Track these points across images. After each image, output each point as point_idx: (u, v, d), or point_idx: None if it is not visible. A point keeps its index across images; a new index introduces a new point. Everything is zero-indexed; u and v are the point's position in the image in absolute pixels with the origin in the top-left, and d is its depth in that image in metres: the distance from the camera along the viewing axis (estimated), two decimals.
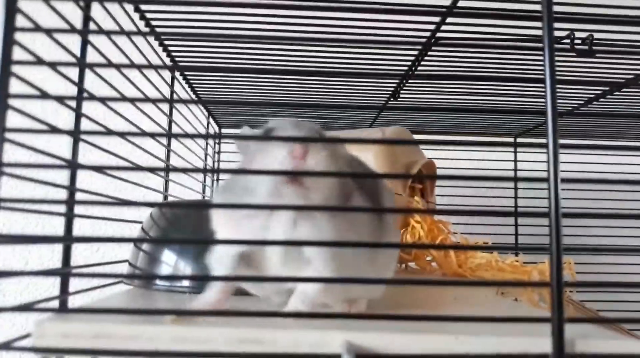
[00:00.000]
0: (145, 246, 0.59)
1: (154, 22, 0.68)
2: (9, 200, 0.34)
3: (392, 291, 0.48)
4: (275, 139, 0.40)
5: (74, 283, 0.44)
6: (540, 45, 0.35)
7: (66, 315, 0.37)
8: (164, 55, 0.77)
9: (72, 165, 0.44)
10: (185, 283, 0.54)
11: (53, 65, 0.37)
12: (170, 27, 0.68)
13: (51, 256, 1.19)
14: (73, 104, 0.44)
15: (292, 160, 0.38)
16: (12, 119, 0.34)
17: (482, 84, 0.86)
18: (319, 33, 0.65)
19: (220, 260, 0.43)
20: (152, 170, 0.52)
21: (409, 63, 0.77)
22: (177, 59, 0.80)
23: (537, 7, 0.36)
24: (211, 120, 1.13)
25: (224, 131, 1.22)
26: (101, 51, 0.50)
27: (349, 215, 0.42)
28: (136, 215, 0.68)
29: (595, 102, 0.90)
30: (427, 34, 0.66)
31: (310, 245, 0.39)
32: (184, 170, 0.39)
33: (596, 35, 0.60)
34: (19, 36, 0.34)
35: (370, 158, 0.84)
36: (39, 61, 0.36)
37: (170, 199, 0.88)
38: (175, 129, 0.85)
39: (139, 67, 0.40)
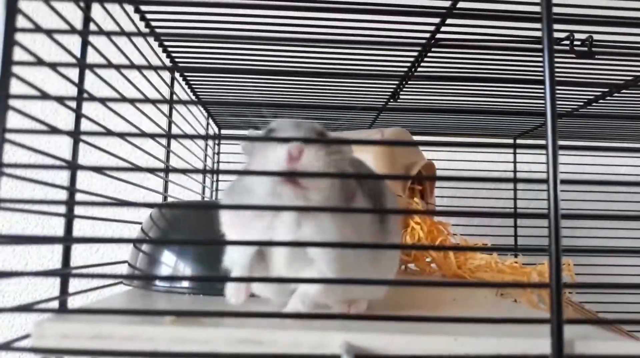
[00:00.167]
0: (144, 247, 0.59)
1: (154, 23, 0.68)
2: (9, 200, 0.34)
3: (391, 292, 0.48)
4: (274, 140, 0.40)
5: (74, 284, 0.44)
6: (539, 46, 0.35)
7: (66, 316, 0.37)
8: (163, 56, 0.77)
9: (72, 166, 0.44)
10: (185, 284, 0.54)
11: (53, 66, 0.37)
12: (170, 28, 0.68)
13: (51, 256, 1.19)
14: (73, 104, 0.44)
15: (287, 160, 0.38)
16: (12, 120, 0.34)
17: (482, 85, 0.86)
18: (319, 34, 0.65)
19: (234, 261, 0.43)
20: (152, 171, 0.52)
21: (409, 64, 0.77)
22: (176, 60, 0.80)
23: (537, 8, 0.36)
24: (210, 121, 1.13)
25: (223, 132, 1.22)
26: (101, 52, 0.50)
27: (351, 216, 0.42)
28: (136, 216, 0.68)
29: (594, 104, 0.90)
30: (427, 35, 0.66)
31: (312, 245, 0.40)
32: (184, 171, 0.39)
33: (595, 36, 0.60)
34: (19, 37, 0.34)
35: (370, 159, 0.84)
36: (39, 62, 0.36)
37: (169, 200, 0.88)
38: (174, 130, 0.85)
39: (139, 68, 0.40)
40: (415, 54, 0.73)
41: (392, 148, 0.88)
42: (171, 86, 0.84)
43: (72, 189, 0.45)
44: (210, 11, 0.63)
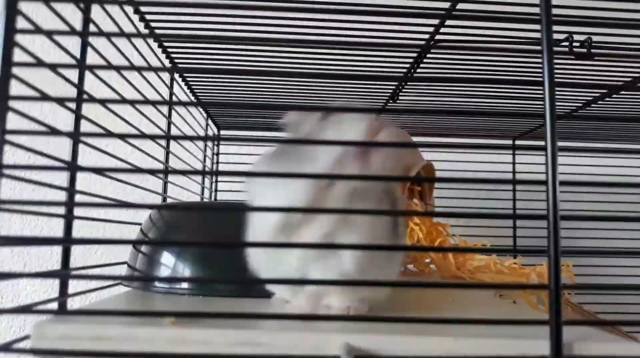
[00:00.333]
0: (144, 247, 0.59)
1: (153, 24, 0.68)
2: (9, 202, 0.34)
3: (391, 293, 0.48)
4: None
5: (73, 284, 0.44)
6: (538, 48, 0.35)
7: (65, 317, 0.37)
8: (163, 57, 0.77)
9: (72, 167, 0.44)
10: (184, 285, 0.54)
11: (53, 67, 0.37)
12: (170, 29, 0.69)
13: (50, 257, 1.19)
14: (73, 105, 0.44)
15: (368, 133, 0.40)
16: (12, 121, 0.34)
17: (481, 86, 0.86)
18: (318, 35, 0.65)
19: (263, 230, 0.42)
20: (151, 172, 0.52)
21: (408, 65, 0.77)
22: (176, 61, 0.80)
23: (536, 10, 0.36)
24: (210, 122, 1.13)
25: (222, 132, 1.22)
26: (101, 53, 0.50)
27: (383, 217, 0.43)
28: (135, 217, 0.68)
29: (593, 105, 0.91)
30: (426, 36, 0.66)
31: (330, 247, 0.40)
32: (183, 172, 0.39)
33: (595, 38, 0.60)
34: (19, 38, 0.34)
35: None
36: (39, 63, 0.36)
37: (169, 201, 0.88)
38: (174, 131, 0.85)
39: (139, 69, 0.40)
40: (414, 55, 0.73)
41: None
42: (170, 87, 0.84)
43: (71, 190, 0.45)
44: (210, 12, 0.63)
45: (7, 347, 0.33)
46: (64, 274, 0.43)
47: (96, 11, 0.48)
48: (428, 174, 0.94)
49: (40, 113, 1.14)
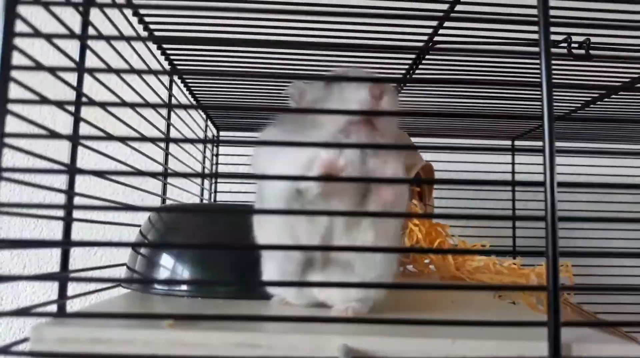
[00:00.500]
0: (143, 250, 0.59)
1: (152, 27, 0.68)
2: (8, 205, 0.34)
3: (389, 295, 0.49)
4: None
5: (73, 286, 0.44)
6: (536, 49, 0.35)
7: (64, 320, 0.37)
8: (162, 59, 0.78)
9: (71, 170, 0.44)
10: (183, 287, 0.54)
11: (52, 70, 0.37)
12: (169, 32, 0.69)
13: (50, 259, 1.19)
14: (72, 108, 0.45)
15: (371, 100, 0.41)
16: (11, 124, 0.34)
17: (480, 88, 0.86)
18: (317, 38, 0.65)
19: (276, 195, 0.43)
20: (151, 175, 0.52)
21: (407, 67, 0.77)
22: (175, 63, 0.80)
23: (534, 11, 0.36)
24: (209, 123, 1.13)
25: (222, 134, 1.22)
26: (100, 56, 0.50)
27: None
28: (134, 219, 0.68)
29: (592, 106, 0.91)
30: (425, 38, 0.66)
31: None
32: (182, 175, 0.39)
33: (593, 39, 0.60)
34: (18, 41, 0.34)
35: None
36: (38, 66, 0.36)
37: (168, 202, 0.88)
38: (173, 133, 0.85)
39: (138, 72, 0.40)
40: (413, 57, 0.73)
41: None
42: (170, 89, 0.84)
43: (70, 192, 0.45)
44: (209, 15, 0.63)
45: (5, 350, 0.33)
46: (62, 276, 0.43)
47: (95, 14, 0.48)
48: (427, 175, 0.94)
49: (39, 116, 1.14)
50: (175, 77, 0.87)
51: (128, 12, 0.63)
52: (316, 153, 0.40)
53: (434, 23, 0.62)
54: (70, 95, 0.46)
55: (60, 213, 0.46)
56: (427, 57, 0.73)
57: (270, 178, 0.42)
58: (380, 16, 0.42)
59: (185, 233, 0.59)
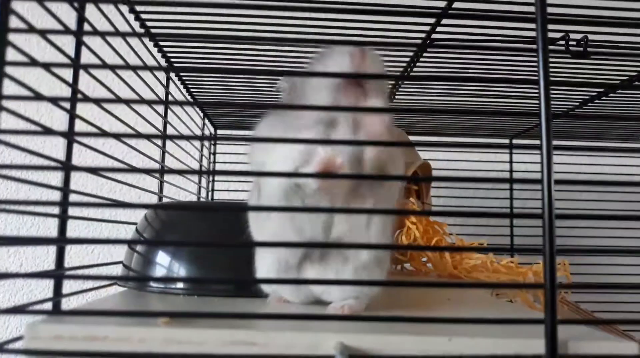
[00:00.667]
0: (139, 247, 0.59)
1: (149, 23, 0.67)
2: (3, 201, 0.34)
3: (386, 292, 0.49)
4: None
5: (69, 283, 0.44)
6: (534, 47, 0.35)
7: (59, 317, 0.37)
8: (159, 56, 0.77)
9: (66, 167, 0.44)
10: (179, 285, 0.54)
11: (47, 66, 0.37)
12: (166, 28, 0.68)
13: (46, 256, 1.19)
14: (67, 105, 0.44)
15: (352, 60, 0.41)
16: (7, 121, 0.34)
17: (477, 85, 0.86)
18: (315, 34, 0.65)
19: (275, 188, 0.43)
20: (147, 172, 0.52)
21: (405, 64, 0.77)
22: (172, 60, 0.80)
23: (532, 9, 0.36)
24: (206, 121, 1.13)
25: (219, 131, 1.22)
26: (96, 52, 0.49)
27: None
28: (131, 216, 0.68)
29: (590, 104, 0.91)
30: (423, 35, 0.66)
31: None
32: (179, 172, 0.39)
33: (591, 37, 0.60)
34: (12, 37, 0.34)
35: None
36: (33, 62, 0.36)
37: (164, 200, 0.88)
38: (170, 130, 0.85)
39: (134, 69, 0.40)
40: (411, 54, 0.73)
41: None
42: (166, 86, 0.84)
43: (65, 189, 0.44)
44: (205, 11, 0.63)
45: (1, 347, 0.33)
46: (57, 274, 0.43)
47: (91, 10, 0.47)
48: (425, 173, 0.94)
49: (36, 113, 1.13)
50: (172, 75, 0.86)
51: (124, 8, 0.63)
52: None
53: (432, 20, 0.62)
54: (67, 92, 0.45)
55: (56, 211, 0.46)
56: (425, 54, 0.73)
57: (269, 175, 0.42)
58: (378, 13, 0.42)
59: (181, 231, 0.59)
